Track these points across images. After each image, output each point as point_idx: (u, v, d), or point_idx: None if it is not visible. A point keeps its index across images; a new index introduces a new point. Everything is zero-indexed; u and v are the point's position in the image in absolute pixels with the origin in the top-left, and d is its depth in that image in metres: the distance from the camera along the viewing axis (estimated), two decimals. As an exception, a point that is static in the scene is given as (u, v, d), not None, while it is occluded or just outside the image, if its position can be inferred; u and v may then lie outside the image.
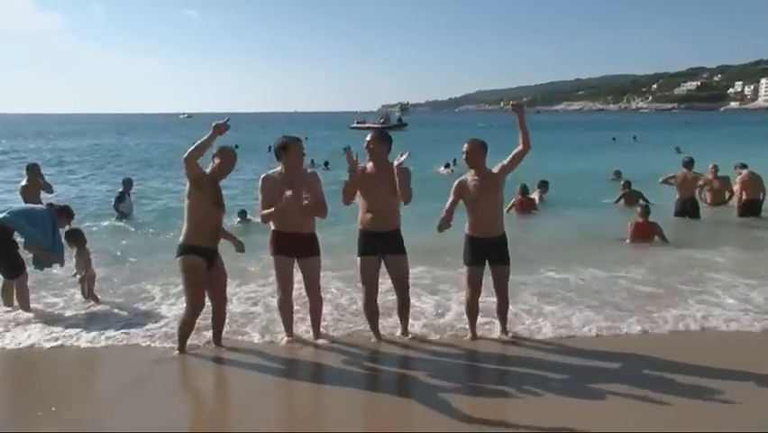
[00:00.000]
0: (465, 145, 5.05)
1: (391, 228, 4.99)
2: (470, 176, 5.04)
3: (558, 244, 9.24)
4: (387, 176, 4.90)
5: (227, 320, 5.23)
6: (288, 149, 4.86)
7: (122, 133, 61.59)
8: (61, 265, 6.38)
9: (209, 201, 4.68)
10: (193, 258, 4.69)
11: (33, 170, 9.57)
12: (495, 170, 5.01)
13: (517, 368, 4.71)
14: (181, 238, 4.77)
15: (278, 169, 4.93)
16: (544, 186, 13.02)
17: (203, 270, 4.73)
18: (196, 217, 4.70)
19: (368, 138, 5.01)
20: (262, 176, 4.95)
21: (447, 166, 20.07)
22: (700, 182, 11.42)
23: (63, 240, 6.39)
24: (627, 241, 9.14)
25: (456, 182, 5.09)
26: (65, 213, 6.46)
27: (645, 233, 9.12)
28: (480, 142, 5.05)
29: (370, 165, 4.99)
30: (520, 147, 4.91)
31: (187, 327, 4.85)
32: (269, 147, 30.69)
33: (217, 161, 4.77)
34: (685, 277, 7.21)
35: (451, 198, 5.04)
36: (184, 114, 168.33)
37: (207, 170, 4.75)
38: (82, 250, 6.41)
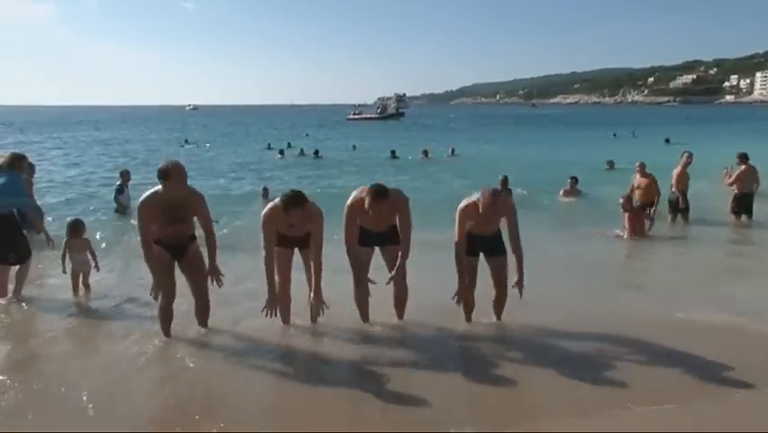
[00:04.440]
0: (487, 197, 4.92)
1: (386, 228, 5.13)
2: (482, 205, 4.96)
3: (555, 235, 9.33)
4: (384, 214, 4.92)
5: (223, 306, 5.34)
6: (289, 210, 4.66)
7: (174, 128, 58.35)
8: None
9: (163, 220, 4.77)
10: (156, 249, 4.84)
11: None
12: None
13: (513, 351, 4.82)
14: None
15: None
16: (574, 180, 13.24)
17: (167, 260, 4.87)
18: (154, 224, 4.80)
19: (366, 203, 4.81)
20: (265, 214, 4.85)
21: (425, 153, 21.81)
22: (634, 182, 11.38)
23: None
24: (625, 236, 9.17)
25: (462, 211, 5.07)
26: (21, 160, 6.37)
27: (639, 219, 9.25)
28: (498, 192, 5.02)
29: (367, 204, 4.82)
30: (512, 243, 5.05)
31: (163, 313, 4.97)
32: (269, 144, 30.93)
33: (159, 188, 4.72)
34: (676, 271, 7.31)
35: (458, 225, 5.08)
36: (190, 105, 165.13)
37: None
38: (71, 240, 6.38)
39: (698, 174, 11.42)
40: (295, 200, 4.63)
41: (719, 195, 11.67)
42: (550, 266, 7.23)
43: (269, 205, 4.91)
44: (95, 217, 10.90)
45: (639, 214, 9.33)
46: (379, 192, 4.75)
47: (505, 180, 13.24)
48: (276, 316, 4.96)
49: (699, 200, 11.32)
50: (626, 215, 9.24)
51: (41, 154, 26.16)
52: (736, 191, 11.00)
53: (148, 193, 4.79)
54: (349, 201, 5.00)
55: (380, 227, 5.11)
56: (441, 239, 7.10)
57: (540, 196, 13.05)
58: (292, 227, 4.88)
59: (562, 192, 13.17)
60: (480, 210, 4.89)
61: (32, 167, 9.54)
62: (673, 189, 11.04)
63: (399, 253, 5.09)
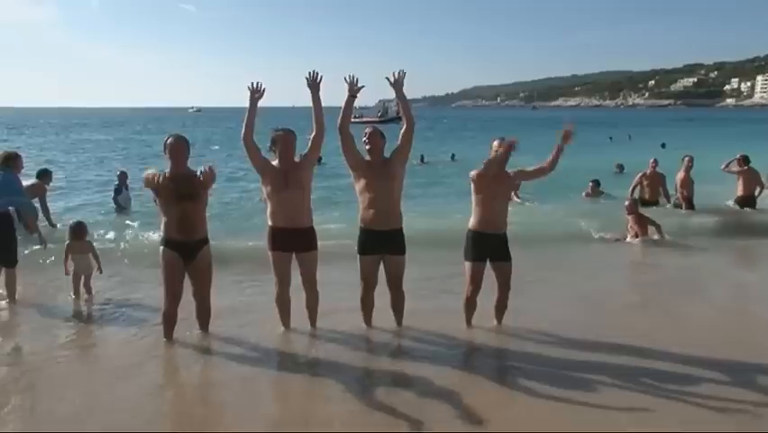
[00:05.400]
0: (495, 143, 5.12)
1: (393, 227, 5.05)
2: (489, 172, 5.04)
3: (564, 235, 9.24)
4: (385, 171, 4.99)
5: (224, 311, 5.34)
6: (277, 141, 4.98)
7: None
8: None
9: (170, 196, 4.73)
10: (166, 252, 4.84)
11: (45, 175, 9.58)
12: (512, 172, 5.15)
13: (511, 356, 4.84)
14: (161, 231, 4.95)
15: (275, 162, 5.03)
16: (596, 182, 13.20)
17: (176, 263, 4.84)
18: (163, 212, 4.83)
19: (366, 131, 5.07)
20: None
21: (422, 160, 21.39)
22: (637, 177, 11.53)
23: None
24: (628, 239, 9.03)
25: (478, 173, 5.08)
26: (15, 159, 6.45)
27: (643, 222, 9.11)
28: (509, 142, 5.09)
29: (368, 159, 5.05)
30: (544, 165, 5.13)
31: (166, 316, 4.97)
32: (269, 146, 30.46)
33: (166, 157, 4.81)
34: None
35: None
36: (193, 107, 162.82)
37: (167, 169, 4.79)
38: (74, 243, 6.37)
39: (696, 178, 11.35)
40: (278, 131, 5.03)
41: (723, 200, 11.61)
42: (550, 271, 7.23)
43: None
44: (93, 219, 10.88)
45: (643, 217, 9.18)
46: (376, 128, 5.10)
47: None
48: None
49: (702, 205, 11.25)
50: (631, 217, 9.12)
51: (41, 155, 26.17)
52: (738, 194, 10.96)
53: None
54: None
55: (381, 202, 4.97)
56: (439, 244, 7.14)
57: (548, 199, 12.82)
58: (287, 188, 4.91)
59: (584, 194, 13.06)
60: (494, 153, 5.03)
61: (48, 173, 9.59)
62: (677, 195, 10.98)
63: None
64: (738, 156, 11.25)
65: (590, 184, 13.29)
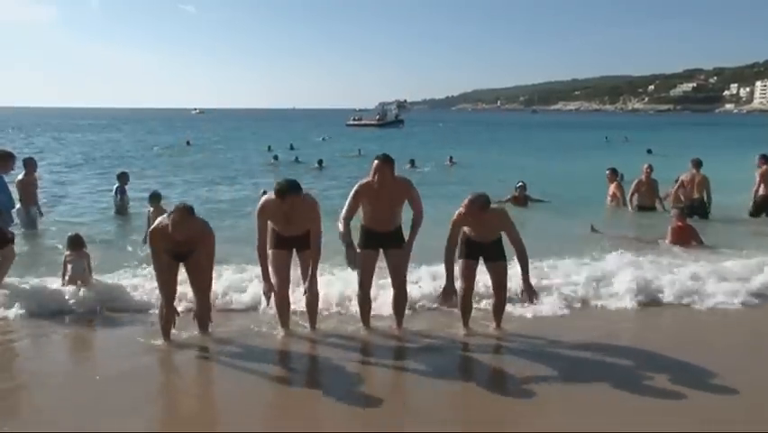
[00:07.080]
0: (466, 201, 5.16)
1: (393, 228, 5.15)
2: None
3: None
4: (390, 192, 5.00)
5: (222, 311, 5.34)
6: (284, 197, 4.75)
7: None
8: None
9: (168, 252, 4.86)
10: (156, 250, 4.87)
11: (30, 163, 9.62)
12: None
13: (512, 359, 4.83)
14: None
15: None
16: (613, 171, 12.53)
17: (166, 260, 4.88)
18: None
19: (374, 166, 4.95)
20: (262, 203, 4.96)
21: (412, 164, 21.24)
22: (634, 184, 11.41)
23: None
24: (667, 242, 8.52)
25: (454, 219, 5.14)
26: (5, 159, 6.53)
27: (684, 236, 8.57)
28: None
29: (375, 181, 4.96)
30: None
31: (163, 316, 4.96)
32: (269, 147, 30.67)
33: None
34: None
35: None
36: (195, 109, 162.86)
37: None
38: (71, 254, 6.33)
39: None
40: (290, 186, 4.73)
41: (731, 205, 11.33)
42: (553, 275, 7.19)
43: (264, 197, 5.01)
44: (93, 219, 10.89)
45: (687, 230, 8.58)
46: (387, 157, 4.93)
47: (523, 187, 12.59)
48: (270, 304, 5.11)
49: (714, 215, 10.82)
50: (672, 228, 8.61)
51: (41, 156, 26.14)
52: (761, 192, 10.72)
53: (159, 226, 4.82)
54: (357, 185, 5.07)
55: (386, 215, 5.05)
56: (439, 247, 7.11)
57: (556, 203, 12.63)
58: (289, 225, 4.89)
59: (608, 198, 12.31)
60: (464, 218, 5.05)
61: (31, 161, 9.64)
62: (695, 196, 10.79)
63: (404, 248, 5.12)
64: (759, 159, 10.97)
65: (608, 172, 12.49)
